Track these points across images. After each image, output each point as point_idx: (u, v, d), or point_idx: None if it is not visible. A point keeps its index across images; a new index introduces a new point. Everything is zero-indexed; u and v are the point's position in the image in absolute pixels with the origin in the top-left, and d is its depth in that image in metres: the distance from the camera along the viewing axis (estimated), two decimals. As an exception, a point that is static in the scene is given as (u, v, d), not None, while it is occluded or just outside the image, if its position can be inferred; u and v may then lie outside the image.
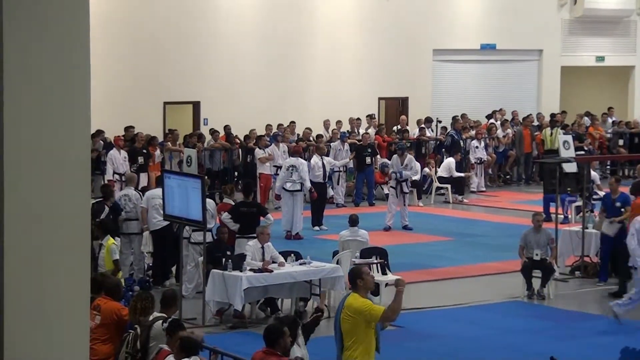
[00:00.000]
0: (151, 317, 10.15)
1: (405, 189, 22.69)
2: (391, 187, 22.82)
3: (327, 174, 23.42)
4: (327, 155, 24.48)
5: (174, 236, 16.19)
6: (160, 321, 9.99)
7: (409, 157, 23.30)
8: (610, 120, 32.32)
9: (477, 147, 28.34)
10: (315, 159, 23.15)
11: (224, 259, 14.75)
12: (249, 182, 19.68)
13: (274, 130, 27.00)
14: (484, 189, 28.25)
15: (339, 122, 28.14)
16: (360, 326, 9.35)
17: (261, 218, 16.59)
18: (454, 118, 29.92)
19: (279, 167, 24.65)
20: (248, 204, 17.00)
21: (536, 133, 29.76)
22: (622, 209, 17.15)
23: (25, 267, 5.95)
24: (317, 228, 22.25)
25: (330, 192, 24.99)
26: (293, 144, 26.20)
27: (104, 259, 14.11)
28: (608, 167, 30.31)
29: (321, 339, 11.71)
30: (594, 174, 23.03)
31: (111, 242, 14.28)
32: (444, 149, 28.31)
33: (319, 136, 27.64)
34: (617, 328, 14.59)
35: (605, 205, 17.50)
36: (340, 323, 9.42)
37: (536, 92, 34.46)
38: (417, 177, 26.06)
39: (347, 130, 27.89)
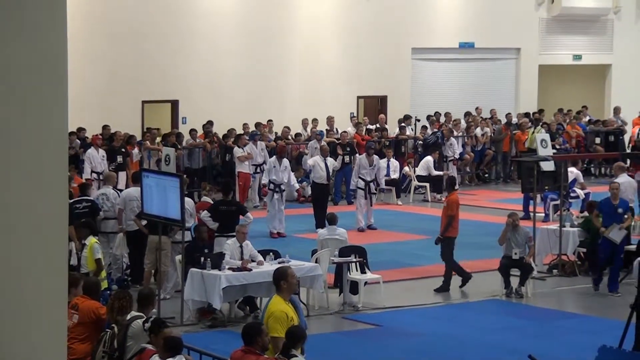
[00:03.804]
0: (128, 316, 10.13)
1: (373, 190, 22.66)
2: (359, 187, 22.72)
3: (331, 174, 23.29)
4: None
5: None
6: (140, 320, 9.96)
7: (376, 157, 23.27)
8: (586, 119, 32.47)
9: (451, 144, 28.37)
10: (318, 160, 23.06)
11: (202, 258, 14.72)
12: (228, 180, 19.69)
13: (252, 129, 26.99)
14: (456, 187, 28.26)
15: (315, 121, 28.16)
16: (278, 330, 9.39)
17: (241, 217, 16.57)
18: (430, 117, 30.04)
19: (258, 166, 24.66)
20: (227, 203, 16.99)
21: (515, 132, 29.86)
22: (625, 215, 17.01)
23: (0, 265, 5.92)
24: (319, 230, 22.15)
25: (296, 185, 24.71)
26: (272, 142, 26.21)
27: (87, 258, 13.98)
28: (585, 165, 30.45)
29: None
30: (577, 172, 23.12)
31: (94, 241, 14.16)
32: (423, 147, 28.30)
33: (297, 135, 27.67)
34: (594, 326, 14.66)
35: (602, 210, 17.13)
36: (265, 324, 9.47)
37: (514, 91, 34.60)
38: (395, 176, 26.17)
39: (326, 129, 27.89)
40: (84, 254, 14.02)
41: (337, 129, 27.89)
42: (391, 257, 19.10)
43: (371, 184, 22.58)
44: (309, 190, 25.11)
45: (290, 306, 9.73)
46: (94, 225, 15.16)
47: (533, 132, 28.79)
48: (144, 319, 9.93)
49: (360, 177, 22.63)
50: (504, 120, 30.92)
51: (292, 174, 22.68)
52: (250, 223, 16.85)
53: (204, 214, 16.53)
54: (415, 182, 26.88)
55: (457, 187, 18.32)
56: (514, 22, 33.68)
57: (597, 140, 31.01)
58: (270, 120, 27.75)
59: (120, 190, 18.05)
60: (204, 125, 26.77)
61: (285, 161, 22.38)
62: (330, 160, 23.32)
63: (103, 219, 16.82)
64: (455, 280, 17.10)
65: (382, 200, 25.84)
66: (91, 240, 14.12)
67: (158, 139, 25.40)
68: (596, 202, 18.55)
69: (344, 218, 19.99)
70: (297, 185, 22.81)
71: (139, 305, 10.42)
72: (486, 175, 30.16)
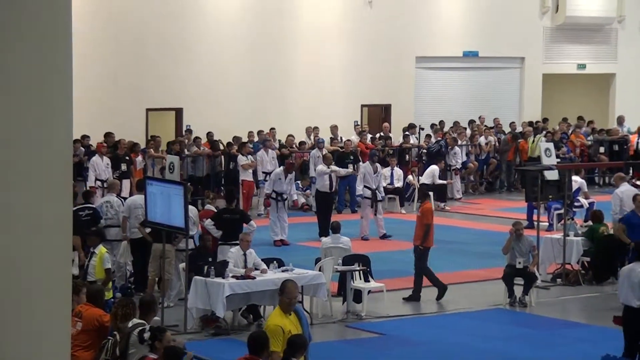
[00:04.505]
0: (130, 324, 10.11)
1: (379, 197, 22.64)
2: (365, 197, 22.67)
3: (334, 184, 23.22)
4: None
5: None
6: (137, 330, 9.91)
7: (379, 165, 23.24)
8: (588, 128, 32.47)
9: (455, 153, 28.37)
10: (322, 168, 23.02)
11: (206, 267, 14.70)
12: (232, 189, 19.67)
13: (256, 137, 27.01)
14: (459, 196, 28.27)
15: (316, 129, 28.19)
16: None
17: (244, 225, 16.56)
18: (434, 126, 30.06)
19: (268, 174, 24.62)
20: (231, 211, 16.96)
21: (519, 140, 29.85)
22: None
23: (5, 273, 5.92)
24: (323, 238, 22.12)
25: (294, 196, 24.68)
26: (276, 150, 26.21)
27: (95, 267, 13.91)
28: (587, 174, 30.42)
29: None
30: (581, 181, 23.10)
31: (104, 250, 14.09)
32: (427, 155, 28.29)
33: (301, 143, 27.67)
34: (598, 335, 14.63)
35: (629, 223, 16.97)
36: None
37: (518, 100, 34.58)
38: (399, 185, 26.16)
39: (330, 137, 27.87)
40: (93, 262, 13.92)
41: (341, 138, 27.89)
42: (395, 266, 19.07)
43: (377, 192, 22.55)
44: (312, 200, 25.10)
45: (289, 319, 9.70)
46: (104, 233, 15.13)
47: (534, 141, 28.80)
48: (139, 329, 9.88)
49: (365, 186, 22.61)
50: (507, 129, 30.90)
51: (294, 185, 22.68)
52: (254, 231, 16.84)
53: (208, 222, 16.52)
54: (418, 191, 26.85)
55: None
56: (518, 31, 33.68)
57: (602, 149, 30.98)
58: (272, 129, 27.76)
59: (125, 198, 18.04)
60: (207, 134, 26.76)
61: (292, 175, 22.36)
62: (334, 168, 23.26)
63: (106, 226, 16.76)
64: (450, 291, 17.08)
65: (386, 208, 25.78)
66: (101, 249, 14.04)
67: (163, 148, 25.38)
68: (601, 212, 18.56)
69: (348, 227, 19.97)
70: (295, 196, 22.79)
71: (140, 312, 10.41)
72: (490, 180, 30.12)
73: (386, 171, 25.94)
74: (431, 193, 26.52)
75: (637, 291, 12.02)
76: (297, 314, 9.92)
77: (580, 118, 32.67)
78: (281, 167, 22.57)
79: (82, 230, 15.62)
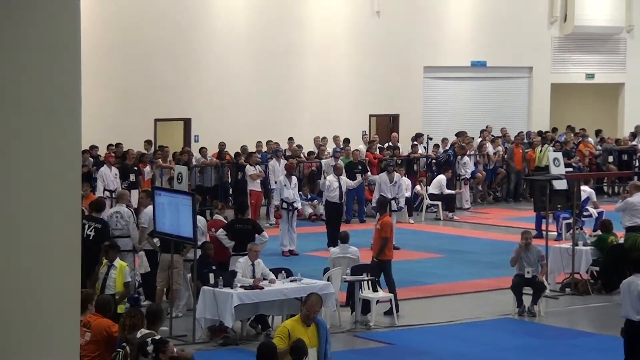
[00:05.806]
0: (139, 334, 10.11)
1: (395, 207, 22.61)
2: None
3: (344, 194, 23.23)
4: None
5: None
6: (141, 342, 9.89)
7: (397, 175, 23.24)
8: (597, 138, 32.43)
9: (465, 163, 28.37)
10: (332, 178, 23.00)
11: (210, 275, 14.70)
12: (244, 199, 19.64)
13: (264, 147, 27.04)
14: (468, 206, 28.24)
15: (324, 139, 28.20)
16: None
17: (257, 236, 16.55)
18: (451, 140, 30.03)
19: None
20: (243, 221, 16.95)
21: (527, 150, 29.84)
22: None
23: (13, 283, 5.94)
24: (331, 248, 22.09)
25: (299, 206, 24.61)
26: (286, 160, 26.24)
27: (115, 280, 13.85)
28: (596, 184, 30.37)
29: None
30: (590, 191, 23.05)
31: (125, 264, 14.03)
32: (436, 165, 28.30)
33: (310, 153, 27.68)
34: (607, 345, 14.57)
35: None
36: None
37: (526, 109, 34.57)
38: (407, 194, 26.13)
39: (342, 148, 27.85)
40: (113, 275, 13.81)
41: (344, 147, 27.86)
42: (403, 276, 19.01)
43: (393, 202, 22.50)
44: (320, 209, 25.10)
45: (306, 330, 9.70)
46: (119, 245, 15.11)
47: (541, 151, 28.79)
48: (143, 342, 9.86)
49: (381, 195, 22.58)
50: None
51: (297, 194, 22.72)
52: (266, 242, 16.86)
53: (220, 232, 16.51)
54: (427, 201, 26.84)
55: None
56: (526, 41, 33.68)
57: (610, 159, 30.93)
58: (291, 138, 27.83)
59: (135, 209, 18.02)
60: (219, 144, 26.77)
61: (294, 179, 22.39)
62: (344, 178, 23.27)
63: (117, 236, 16.69)
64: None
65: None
66: (121, 263, 13.94)
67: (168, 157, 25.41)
68: (610, 221, 18.54)
69: (356, 236, 19.96)
70: (300, 205, 22.83)
71: (147, 322, 10.40)
72: (498, 194, 30.12)
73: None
74: (439, 203, 26.63)
75: (637, 304, 11.90)
76: (319, 329, 9.91)
77: (569, 127, 32.58)
78: (283, 175, 22.61)
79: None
